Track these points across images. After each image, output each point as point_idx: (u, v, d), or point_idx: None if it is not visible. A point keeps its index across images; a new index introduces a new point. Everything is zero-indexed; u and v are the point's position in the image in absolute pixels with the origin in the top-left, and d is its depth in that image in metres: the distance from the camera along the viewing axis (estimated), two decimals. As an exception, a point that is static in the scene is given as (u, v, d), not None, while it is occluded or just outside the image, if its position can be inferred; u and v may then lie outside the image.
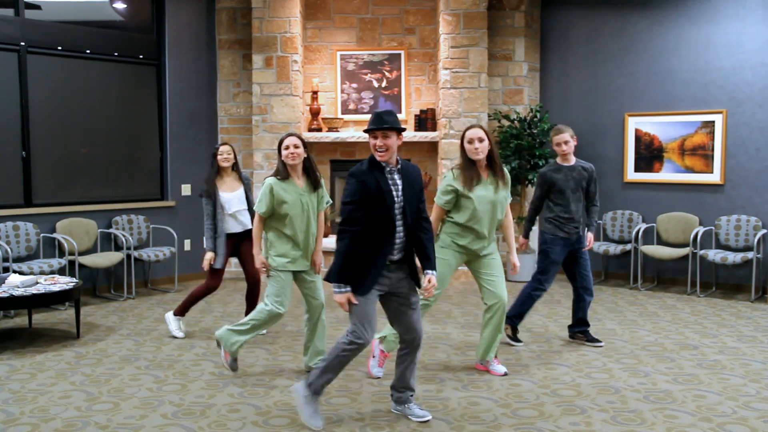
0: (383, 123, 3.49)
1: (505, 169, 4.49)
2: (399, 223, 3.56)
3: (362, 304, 3.53)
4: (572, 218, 5.04)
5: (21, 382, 4.40)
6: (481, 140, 4.30)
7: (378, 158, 3.53)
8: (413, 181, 3.62)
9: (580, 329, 5.25)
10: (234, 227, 5.39)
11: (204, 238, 5.42)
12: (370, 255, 3.52)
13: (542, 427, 3.68)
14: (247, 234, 5.39)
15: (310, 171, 4.47)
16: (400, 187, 3.56)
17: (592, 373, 4.55)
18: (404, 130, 3.60)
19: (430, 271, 3.63)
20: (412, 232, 3.63)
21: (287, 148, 4.37)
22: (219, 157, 5.38)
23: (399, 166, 3.59)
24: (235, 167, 5.49)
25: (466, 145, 4.33)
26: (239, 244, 5.44)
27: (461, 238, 4.42)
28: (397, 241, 3.57)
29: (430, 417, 3.75)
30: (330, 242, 7.82)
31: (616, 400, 4.06)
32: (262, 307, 4.40)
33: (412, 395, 3.83)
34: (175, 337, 5.46)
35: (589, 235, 5.15)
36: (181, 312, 5.53)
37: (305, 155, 4.44)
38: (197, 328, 5.77)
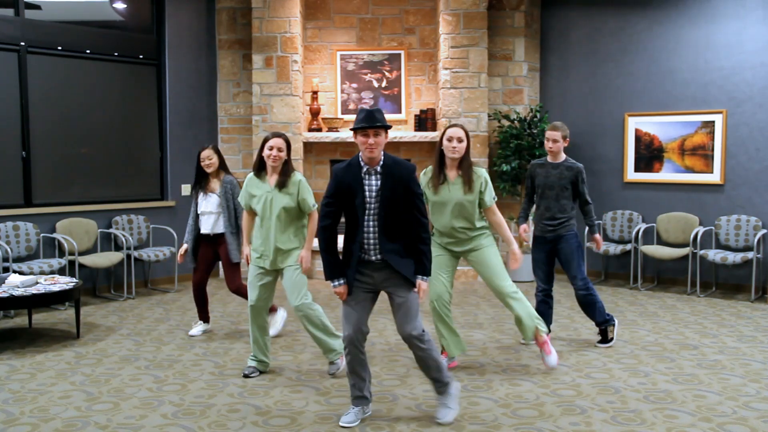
0: (375, 121, 3.49)
1: (480, 171, 4.38)
2: (370, 224, 3.54)
3: (345, 302, 3.65)
4: (543, 215, 5.08)
5: (21, 382, 4.40)
6: (460, 140, 4.29)
7: (368, 155, 3.52)
8: (396, 183, 3.53)
9: (599, 328, 5.24)
10: (203, 228, 5.46)
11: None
12: (348, 251, 3.62)
13: (542, 427, 3.67)
14: (220, 239, 5.42)
15: (284, 171, 4.44)
16: (374, 188, 3.53)
17: (592, 373, 4.55)
18: (390, 127, 3.63)
19: (419, 277, 3.62)
20: (399, 236, 3.57)
21: (271, 149, 4.38)
22: (201, 163, 5.42)
23: (380, 166, 3.55)
24: (222, 168, 5.48)
25: (445, 142, 4.32)
26: (216, 249, 5.48)
27: (441, 236, 4.51)
28: (370, 241, 3.56)
29: (450, 420, 3.71)
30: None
31: (616, 400, 4.06)
32: None
33: (443, 387, 3.76)
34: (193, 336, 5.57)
35: (595, 237, 5.19)
36: (202, 318, 5.65)
37: (286, 158, 4.45)
38: (197, 328, 5.77)
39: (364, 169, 3.55)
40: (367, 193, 3.53)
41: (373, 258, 3.59)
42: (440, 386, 3.76)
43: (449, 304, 4.54)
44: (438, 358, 3.71)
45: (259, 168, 4.47)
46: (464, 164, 4.35)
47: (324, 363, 4.70)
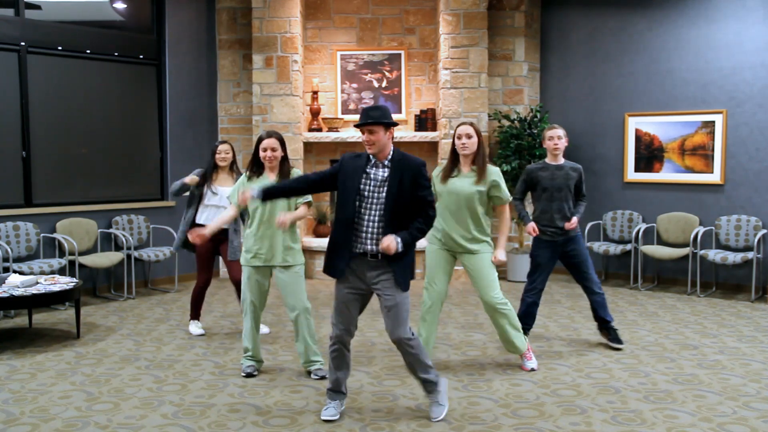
0: (368, 118, 3.58)
1: (490, 167, 4.47)
2: (372, 213, 3.58)
3: (336, 299, 3.69)
4: (553, 219, 5.00)
5: (21, 382, 4.40)
6: (469, 137, 4.42)
7: (367, 151, 3.64)
8: (405, 176, 3.58)
9: (602, 325, 5.22)
10: (203, 219, 5.47)
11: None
12: (337, 242, 3.63)
13: (542, 427, 3.68)
14: (221, 235, 5.42)
15: (282, 169, 4.47)
16: (380, 178, 3.58)
17: (592, 373, 4.55)
18: (393, 124, 3.63)
19: (393, 236, 3.53)
20: (401, 229, 3.58)
21: (265, 150, 4.40)
22: (217, 155, 5.52)
23: (388, 160, 3.62)
24: (233, 166, 5.60)
25: (456, 141, 4.49)
26: (218, 245, 5.49)
27: (437, 231, 4.52)
28: (366, 232, 3.58)
29: (443, 416, 3.74)
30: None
31: (616, 400, 4.06)
32: None
33: (432, 386, 3.79)
34: (202, 335, 5.57)
35: (573, 219, 5.02)
36: (196, 317, 5.67)
37: (282, 155, 4.45)
38: (197, 328, 5.77)
39: (372, 161, 3.63)
40: (370, 181, 3.59)
41: (369, 247, 3.58)
42: (429, 385, 3.79)
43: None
44: (425, 358, 3.75)
45: (256, 168, 4.46)
46: (478, 159, 4.46)
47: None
